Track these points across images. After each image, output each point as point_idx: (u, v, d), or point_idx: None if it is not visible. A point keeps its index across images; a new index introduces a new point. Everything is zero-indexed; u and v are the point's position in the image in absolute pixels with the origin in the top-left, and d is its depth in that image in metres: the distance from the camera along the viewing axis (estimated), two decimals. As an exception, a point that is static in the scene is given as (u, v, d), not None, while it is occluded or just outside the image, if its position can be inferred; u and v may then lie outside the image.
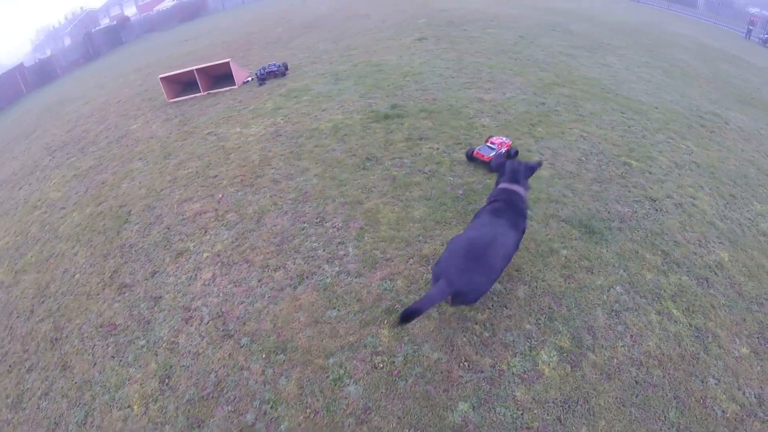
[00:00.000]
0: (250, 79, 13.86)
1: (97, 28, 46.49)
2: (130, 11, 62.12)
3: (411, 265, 5.65)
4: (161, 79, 14.05)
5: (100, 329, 6.13)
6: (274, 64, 13.62)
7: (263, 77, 13.34)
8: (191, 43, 25.48)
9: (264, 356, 4.94)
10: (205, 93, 13.59)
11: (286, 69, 13.76)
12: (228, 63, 13.41)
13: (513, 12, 21.79)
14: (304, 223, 6.66)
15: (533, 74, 11.98)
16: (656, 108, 10.52)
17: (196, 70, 13.61)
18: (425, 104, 9.87)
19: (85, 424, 5.09)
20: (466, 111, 9.51)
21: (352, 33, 17.85)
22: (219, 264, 6.32)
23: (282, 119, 10.17)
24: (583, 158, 7.86)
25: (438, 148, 8.09)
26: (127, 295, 6.46)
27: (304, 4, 30.96)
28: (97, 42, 40.92)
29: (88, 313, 6.48)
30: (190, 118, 11.84)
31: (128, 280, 6.71)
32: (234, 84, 13.50)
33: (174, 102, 13.83)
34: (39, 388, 5.93)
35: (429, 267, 5.55)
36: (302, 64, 14.41)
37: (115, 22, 48.59)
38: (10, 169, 14.65)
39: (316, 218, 6.71)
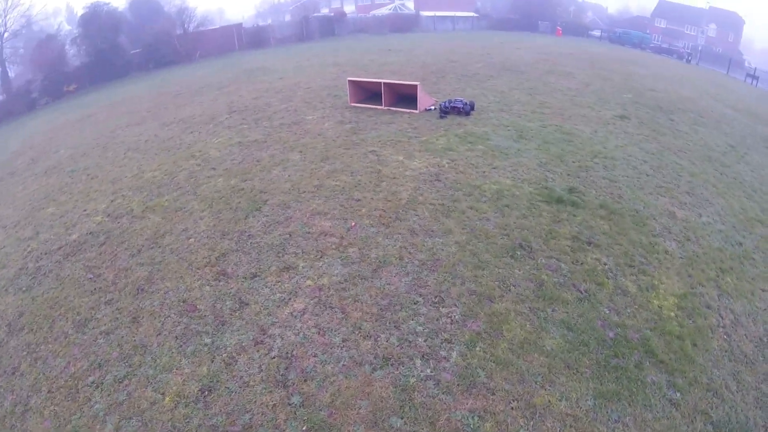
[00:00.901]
0: (433, 108, 13.59)
1: (315, 15, 50.39)
2: (349, 8, 66.48)
3: (512, 410, 4.60)
4: (349, 81, 14.42)
5: (182, 304, 6.15)
6: (461, 101, 13.17)
7: (446, 110, 12.96)
8: (393, 54, 26.29)
9: (304, 429, 4.39)
10: (386, 108, 13.61)
11: (472, 108, 13.23)
12: (416, 86, 13.27)
13: (725, 111, 19.01)
14: (420, 296, 5.95)
15: (737, 200, 10.05)
16: None
17: (384, 83, 13.69)
18: (608, 199, 8.58)
19: (121, 382, 5.07)
20: (651, 224, 8.07)
21: (551, 89, 16.78)
22: (316, 300, 5.93)
23: (448, 163, 9.59)
24: (766, 339, 6.22)
25: (606, 264, 6.83)
26: (221, 283, 6.43)
27: (511, 46, 30.46)
28: (313, 27, 44.22)
29: (181, 281, 6.58)
30: (362, 129, 11.86)
31: (229, 270, 6.69)
32: (416, 108, 13.33)
33: (354, 106, 14.09)
34: (105, 325, 6.08)
35: (534, 423, 4.49)
36: (489, 108, 13.77)
37: (332, 14, 52.33)
38: (191, 111, 16.18)
39: (435, 297, 5.94)
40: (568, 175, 9.37)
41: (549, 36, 48.54)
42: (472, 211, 7.80)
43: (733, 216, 9.21)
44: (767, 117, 21.41)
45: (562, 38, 47.27)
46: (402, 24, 48.58)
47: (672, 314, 6.14)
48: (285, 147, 11.06)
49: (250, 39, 42.01)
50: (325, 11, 61.36)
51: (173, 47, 36.79)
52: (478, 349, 5.24)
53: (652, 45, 54.89)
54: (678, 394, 4.98)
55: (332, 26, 46.34)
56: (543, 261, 6.72)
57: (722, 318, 6.36)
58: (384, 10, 57.02)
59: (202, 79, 24.48)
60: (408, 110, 13.34)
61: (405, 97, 13.91)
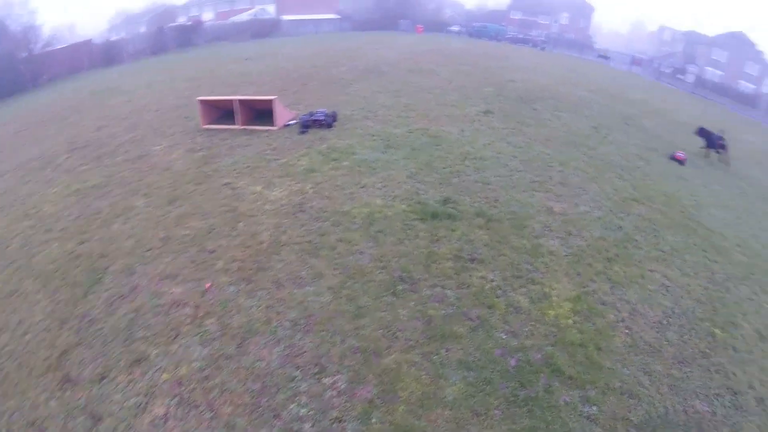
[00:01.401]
0: (293, 122, 12.52)
1: (172, 25, 46.80)
2: (208, 16, 63.10)
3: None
4: (199, 101, 12.89)
5: (30, 429, 4.69)
6: (322, 112, 12.26)
7: (307, 124, 11.97)
8: (252, 63, 24.56)
9: None
10: (242, 127, 12.34)
11: (334, 120, 12.38)
12: (272, 101, 12.12)
13: (583, 95, 20.26)
14: (298, 369, 4.95)
15: (609, 182, 10.29)
16: (739, 247, 8.98)
17: (237, 100, 12.39)
18: (483, 205, 8.18)
19: None
20: (531, 225, 7.79)
21: (415, 89, 16.50)
22: (177, 399, 4.69)
23: (312, 188, 8.61)
24: (665, 321, 6.23)
25: (493, 281, 6.33)
26: (67, 393, 5.00)
27: (374, 47, 30.17)
28: (168, 38, 40.93)
29: (23, 398, 5.06)
30: (215, 156, 10.48)
31: (74, 373, 5.22)
32: (274, 125, 12.20)
33: (208, 129, 12.61)
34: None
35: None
36: (354, 116, 13.02)
37: (189, 23, 48.99)
38: (29, 153, 13.60)
39: (315, 366, 4.99)
40: (440, 183, 8.88)
41: (410, 34, 49.44)
42: (343, 244, 6.91)
43: (607, 200, 9.34)
44: (622, 96, 23.26)
45: (423, 35, 48.43)
46: (263, 29, 46.82)
47: (570, 321, 5.83)
48: (127, 190, 9.41)
49: (101, 56, 37.69)
50: (183, 20, 57.80)
51: (17, 73, 31.79)
52: (374, 420, 4.43)
53: (508, 36, 58.31)
54: (594, 408, 4.70)
55: (189, 36, 43.26)
56: (427, 292, 6.04)
57: (619, 312, 6.20)
58: (244, 16, 54.62)
59: (46, 108, 21.08)
60: (266, 128, 12.17)
61: (263, 112, 12.71)
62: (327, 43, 33.31)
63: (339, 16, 60.34)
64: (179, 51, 39.21)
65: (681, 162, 13.56)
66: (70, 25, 77.63)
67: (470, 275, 6.37)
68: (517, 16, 74.37)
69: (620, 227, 8.35)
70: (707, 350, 5.91)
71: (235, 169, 9.63)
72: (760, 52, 59.20)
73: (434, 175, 9.20)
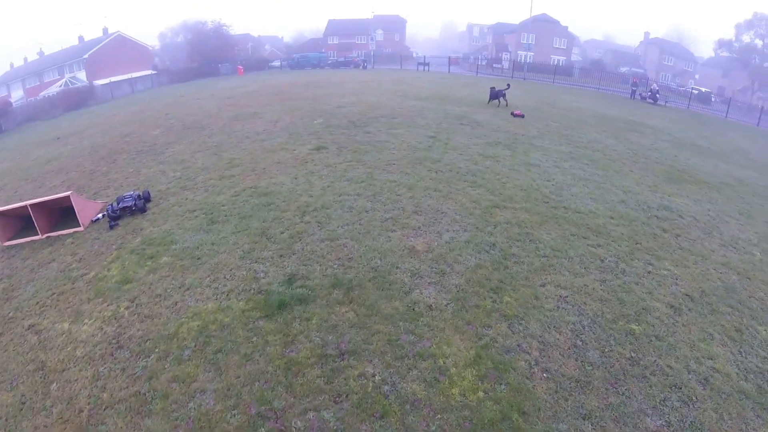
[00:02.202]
0: (100, 216, 10.21)
1: None
2: (17, 94, 55.55)
3: None
4: None
5: None
6: (131, 196, 10.11)
7: (116, 215, 9.78)
8: (60, 145, 20.13)
9: None
10: (45, 236, 9.79)
11: (147, 201, 10.33)
12: (68, 197, 9.71)
13: (412, 104, 20.30)
14: None
15: (464, 194, 9.71)
16: (612, 219, 9.12)
17: (31, 205, 9.77)
18: (338, 271, 6.91)
19: None
20: (397, 279, 6.70)
21: (238, 139, 14.81)
22: None
23: (127, 307, 6.60)
24: (579, 342, 5.61)
25: (375, 376, 5.06)
26: None
27: (193, 98, 27.75)
28: None
29: None
30: (16, 287, 7.85)
31: None
32: (80, 225, 9.82)
33: (10, 246, 9.83)
34: None
35: None
36: (170, 190, 10.99)
37: None
38: None
39: None
40: (281, 256, 7.42)
41: (232, 77, 47.55)
42: (178, 386, 5.14)
43: (470, 216, 8.70)
44: (451, 96, 23.65)
45: (245, 76, 46.83)
46: (76, 99, 41.35)
47: (480, 395, 4.82)
48: None
49: None
50: None
51: None
52: None
53: (330, 62, 59.37)
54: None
55: None
56: (299, 424, 4.57)
57: (528, 353, 5.40)
58: (54, 89, 48.51)
59: None
60: (72, 230, 9.76)
61: (69, 210, 10.18)
62: (141, 104, 30.04)
63: (155, 71, 56.41)
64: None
65: (520, 116, 18.70)
66: None
67: (345, 378, 5.03)
68: (334, 41, 76.31)
69: (493, 244, 7.71)
70: (633, 354, 5.47)
71: (38, 302, 7.23)
72: (564, 27, 66.90)
73: (272, 246, 7.72)
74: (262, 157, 12.57)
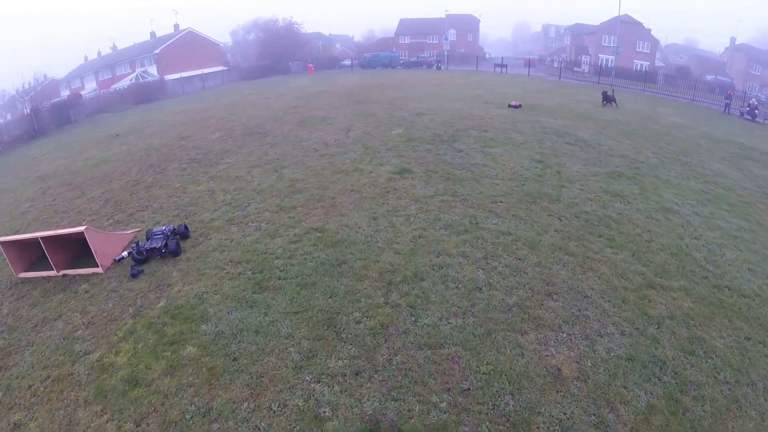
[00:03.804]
0: (125, 254, 8.02)
1: (46, 105, 40.18)
2: (90, 86, 57.20)
3: None
4: (1, 243, 8.08)
5: None
6: (161, 232, 7.88)
7: (141, 258, 7.59)
8: (116, 144, 18.62)
9: None
10: (60, 274, 7.76)
11: (184, 237, 8.11)
12: (82, 233, 7.55)
13: (501, 114, 17.35)
14: None
15: (605, 260, 6.90)
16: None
17: (42, 238, 7.73)
18: (447, 417, 4.16)
19: None
20: (537, 421, 3.96)
21: (303, 151, 12.42)
22: None
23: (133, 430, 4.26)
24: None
25: None
26: None
27: (261, 97, 25.94)
28: (45, 118, 34.43)
29: None
30: (13, 348, 5.86)
31: None
32: (98, 265, 7.70)
33: (24, 278, 7.93)
34: None
35: None
36: (214, 223, 8.69)
37: (67, 98, 42.82)
38: None
39: None
40: (357, 374, 4.71)
41: (302, 75, 46.14)
42: None
43: (621, 302, 5.88)
44: (540, 105, 20.48)
45: (316, 74, 45.17)
46: (146, 93, 41.24)
47: None
48: None
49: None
50: (66, 93, 51.63)
51: None
52: None
53: (401, 62, 57.00)
54: None
55: (67, 112, 36.81)
56: None
57: None
58: (125, 82, 49.01)
59: None
60: (91, 270, 7.67)
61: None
62: (208, 101, 28.67)
63: (226, 68, 56.32)
64: (59, 130, 32.51)
65: (518, 107, 19.21)
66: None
67: None
68: (405, 40, 73.79)
69: (663, 363, 5.06)
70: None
71: (30, 387, 5.08)
72: (647, 30, 61.12)
73: (343, 349, 5.05)
74: (332, 180, 10.05)
